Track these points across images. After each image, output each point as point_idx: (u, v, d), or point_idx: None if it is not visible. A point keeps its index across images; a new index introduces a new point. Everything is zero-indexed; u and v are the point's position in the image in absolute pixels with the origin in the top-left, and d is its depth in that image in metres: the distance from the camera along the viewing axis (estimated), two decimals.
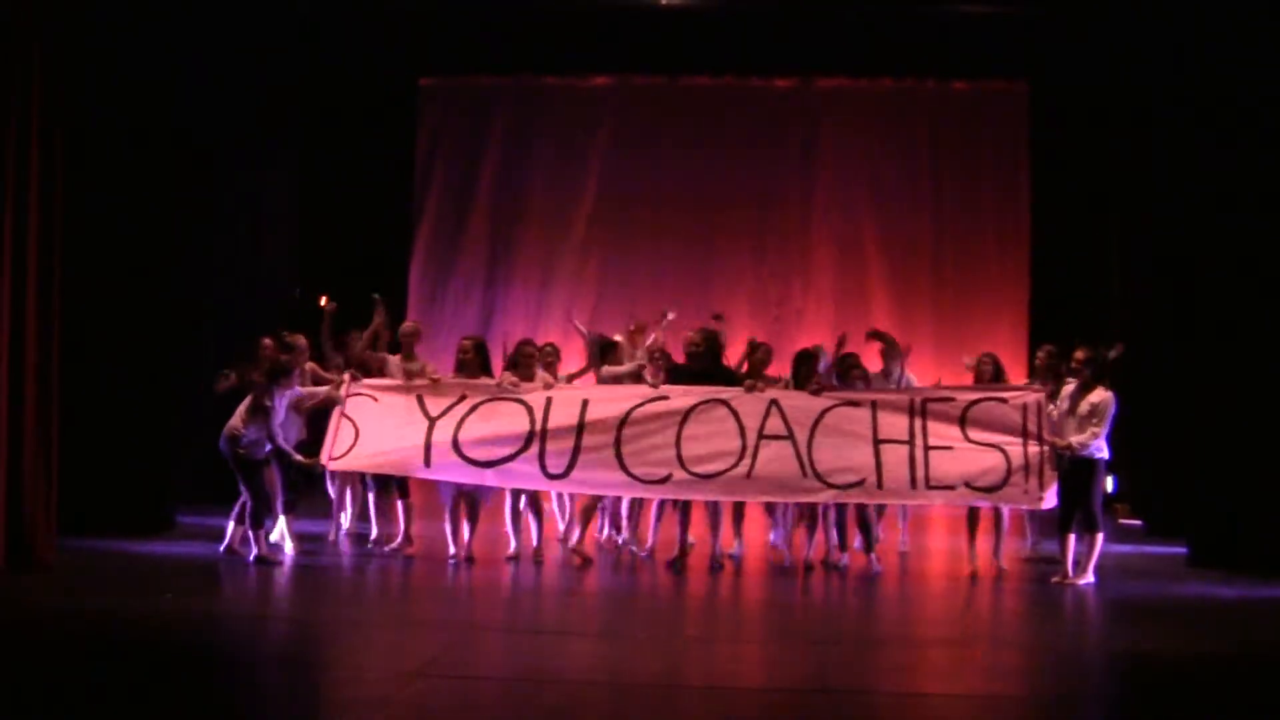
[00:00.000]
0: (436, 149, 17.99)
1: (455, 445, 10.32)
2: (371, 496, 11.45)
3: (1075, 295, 16.04)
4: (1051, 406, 10.33)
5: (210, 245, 13.59)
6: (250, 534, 10.31)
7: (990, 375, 10.84)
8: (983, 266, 17.40)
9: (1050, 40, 15.38)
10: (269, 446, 10.31)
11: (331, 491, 11.71)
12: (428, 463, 10.39)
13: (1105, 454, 10.25)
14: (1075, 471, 10.21)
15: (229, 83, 13.63)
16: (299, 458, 10.45)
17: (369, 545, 11.25)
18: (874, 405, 10.34)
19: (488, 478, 10.46)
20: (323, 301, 11.77)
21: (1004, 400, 10.32)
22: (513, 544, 10.80)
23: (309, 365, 11.14)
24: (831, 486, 10.21)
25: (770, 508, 11.30)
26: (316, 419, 10.94)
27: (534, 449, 10.30)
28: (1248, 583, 10.41)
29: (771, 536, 11.47)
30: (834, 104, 17.72)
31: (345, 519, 11.77)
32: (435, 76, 17.88)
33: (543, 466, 10.31)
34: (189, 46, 12.71)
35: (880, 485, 10.22)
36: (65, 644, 7.72)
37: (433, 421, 10.42)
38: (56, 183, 9.97)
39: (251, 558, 10.28)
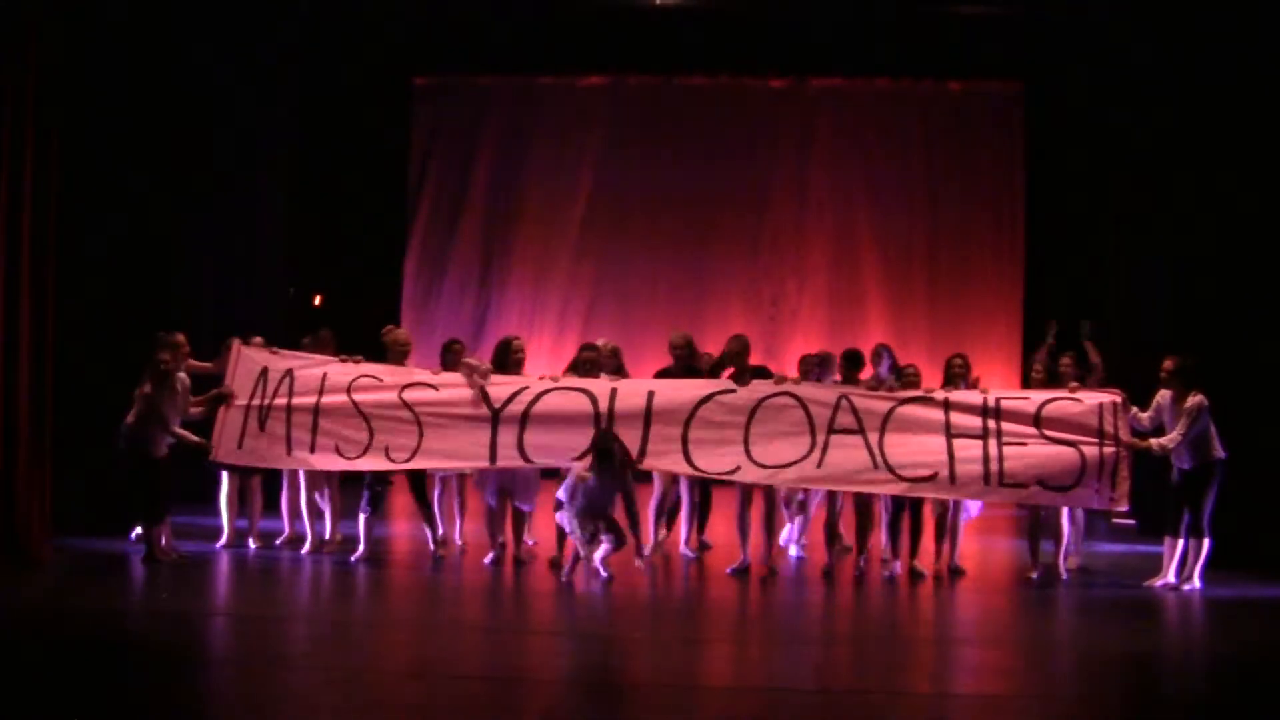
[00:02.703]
0: (431, 148, 18.00)
1: (520, 444, 10.09)
2: (284, 495, 11.13)
3: (1070, 295, 16.04)
4: (1136, 409, 10.16)
5: (204, 244, 13.56)
6: (144, 530, 10.18)
7: (1074, 376, 10.60)
8: (978, 266, 17.44)
9: (1045, 41, 15.40)
10: (164, 443, 10.21)
11: (286, 497, 11.19)
12: (493, 460, 10.17)
13: (1222, 454, 10.04)
14: (1193, 475, 10.07)
15: (222, 82, 13.59)
16: (193, 438, 10.31)
17: (276, 544, 11.03)
18: (947, 403, 10.18)
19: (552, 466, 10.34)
20: (316, 301, 11.53)
21: (1080, 400, 10.15)
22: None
23: (188, 363, 10.62)
24: (903, 479, 10.04)
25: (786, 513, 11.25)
26: None
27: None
28: (1241, 582, 10.41)
29: (783, 539, 11.38)
30: (829, 103, 17.75)
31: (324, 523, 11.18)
32: (430, 75, 17.89)
33: None
34: (182, 46, 12.70)
35: (953, 480, 10.00)
36: (58, 640, 7.68)
37: (497, 415, 10.17)
38: (51, 184, 9.94)
39: (140, 557, 10.15)
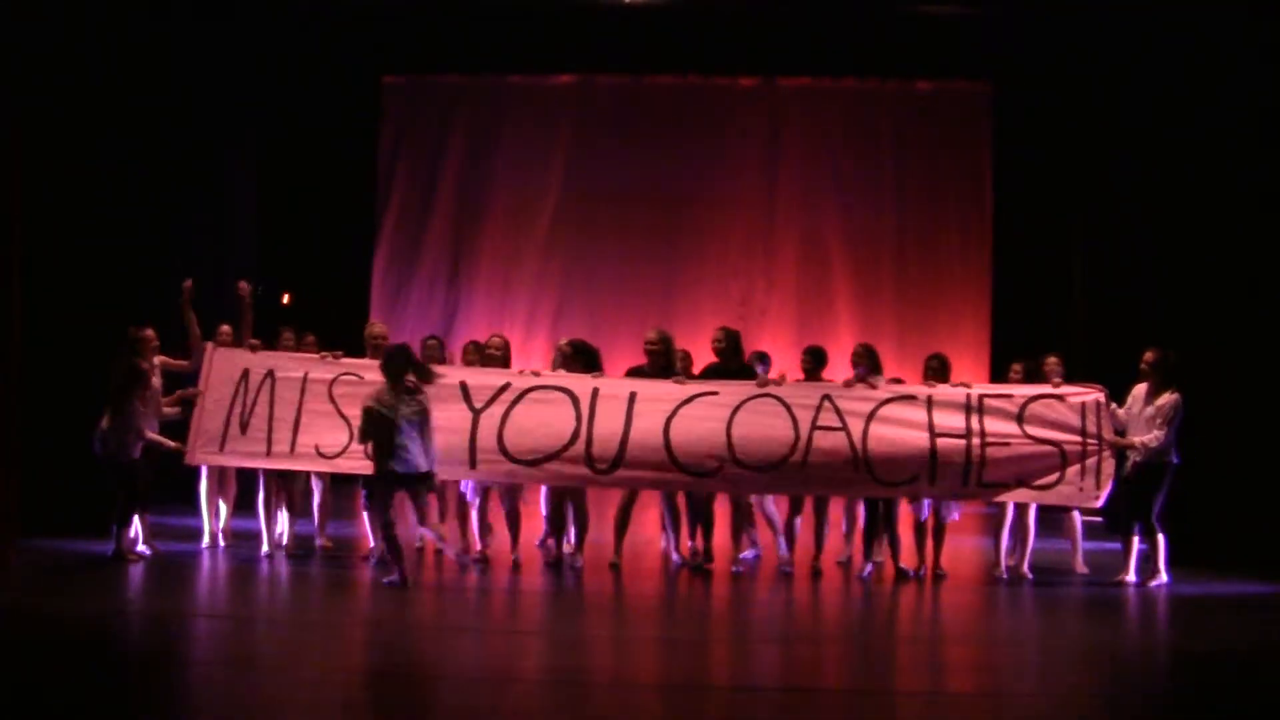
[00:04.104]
0: (399, 147, 17.94)
1: (500, 443, 10.06)
2: (261, 498, 10.95)
3: (1037, 294, 16.16)
4: (1115, 406, 10.19)
5: (172, 245, 13.49)
6: (114, 530, 10.18)
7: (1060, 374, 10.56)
8: (945, 266, 17.49)
9: (1013, 41, 15.48)
10: (138, 446, 10.23)
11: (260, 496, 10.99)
12: (473, 464, 10.11)
13: (1174, 458, 10.06)
14: (1143, 474, 10.08)
15: (190, 80, 13.53)
16: (168, 443, 10.35)
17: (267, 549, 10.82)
18: (929, 401, 10.16)
19: (533, 476, 10.26)
20: (285, 300, 11.47)
21: (1062, 399, 10.15)
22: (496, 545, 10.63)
23: (159, 359, 10.68)
24: (883, 483, 10.08)
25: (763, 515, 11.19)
26: None
27: (580, 443, 10.04)
28: (1204, 579, 10.47)
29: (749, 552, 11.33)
30: (797, 103, 17.77)
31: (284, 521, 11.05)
32: (398, 74, 17.83)
33: (589, 462, 10.06)
34: (148, 43, 12.63)
35: (933, 482, 10.06)
36: (20, 642, 7.65)
37: (477, 414, 10.12)
38: (15, 185, 9.86)
39: (110, 553, 10.16)
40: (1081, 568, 10.86)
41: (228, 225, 14.92)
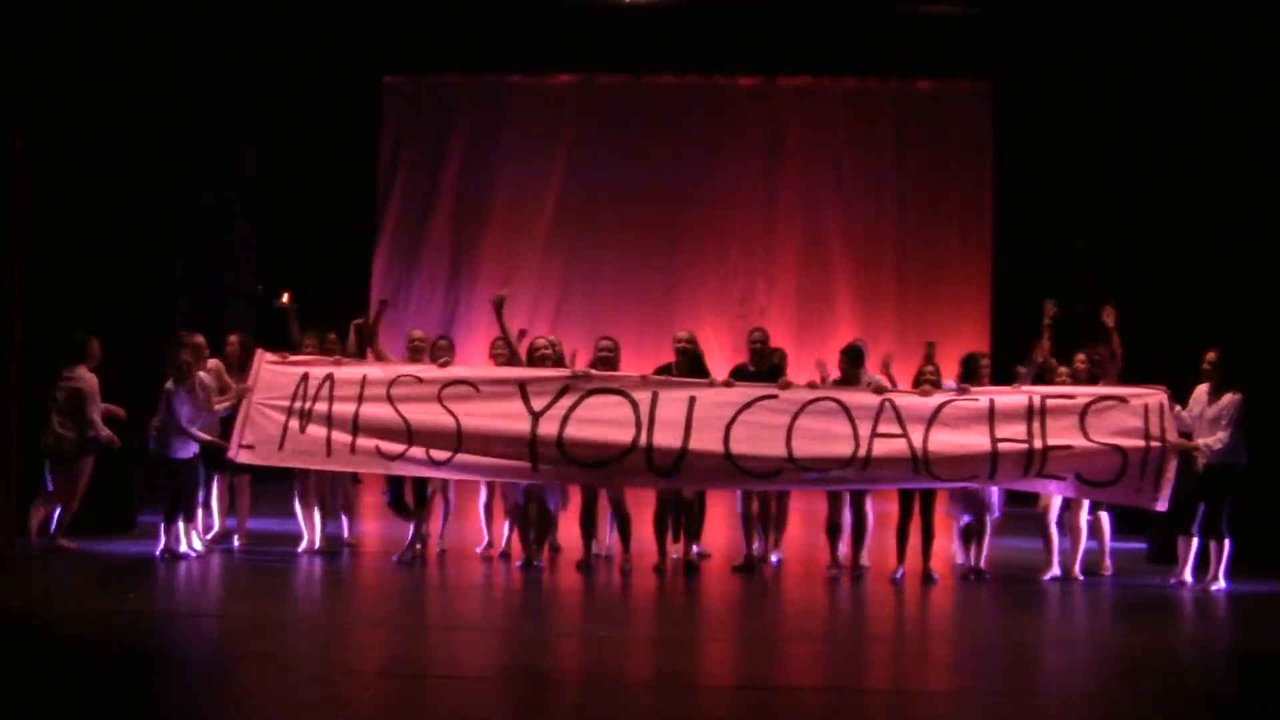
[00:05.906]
0: (400, 147, 17.97)
1: (561, 447, 10.01)
2: (298, 502, 11.02)
3: (1038, 294, 16.08)
4: (1178, 407, 10.12)
5: (172, 244, 13.48)
6: (162, 528, 10.33)
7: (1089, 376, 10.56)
8: (946, 265, 17.52)
9: (1013, 41, 15.48)
10: (193, 446, 10.33)
11: (298, 499, 11.04)
12: (535, 466, 10.10)
13: (1244, 460, 9.99)
14: (1214, 477, 10.00)
15: (190, 80, 13.52)
16: (207, 438, 10.39)
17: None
18: (991, 404, 10.09)
19: (594, 480, 10.26)
20: (284, 298, 11.46)
21: (1125, 400, 10.08)
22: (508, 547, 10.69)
23: (213, 362, 10.77)
24: (942, 480, 10.08)
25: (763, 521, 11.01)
26: None
27: (642, 447, 9.98)
28: (1268, 579, 10.42)
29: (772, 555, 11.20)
30: (798, 102, 17.80)
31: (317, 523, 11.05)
32: (399, 74, 17.85)
33: (651, 463, 10.01)
34: (150, 43, 12.62)
35: (993, 476, 10.06)
36: (21, 641, 7.65)
37: (536, 418, 10.08)
38: (15, 185, 9.86)
39: (158, 552, 10.30)
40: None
41: (228, 225, 14.90)
